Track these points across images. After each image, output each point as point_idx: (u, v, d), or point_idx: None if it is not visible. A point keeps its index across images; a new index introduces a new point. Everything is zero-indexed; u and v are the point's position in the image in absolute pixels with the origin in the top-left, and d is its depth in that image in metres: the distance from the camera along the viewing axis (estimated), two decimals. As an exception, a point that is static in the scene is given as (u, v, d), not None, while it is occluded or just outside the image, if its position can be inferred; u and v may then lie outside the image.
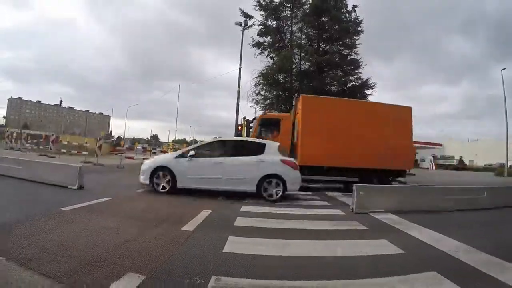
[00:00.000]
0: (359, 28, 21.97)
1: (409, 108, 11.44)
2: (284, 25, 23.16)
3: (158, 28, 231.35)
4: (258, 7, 22.16)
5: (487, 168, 41.04)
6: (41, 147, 24.60)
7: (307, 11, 22.09)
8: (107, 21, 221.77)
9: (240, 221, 4.97)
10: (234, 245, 3.61)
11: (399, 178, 11.17)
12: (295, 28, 23.12)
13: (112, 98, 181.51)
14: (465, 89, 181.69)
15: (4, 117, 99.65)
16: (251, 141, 8.79)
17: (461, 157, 48.38)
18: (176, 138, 70.20)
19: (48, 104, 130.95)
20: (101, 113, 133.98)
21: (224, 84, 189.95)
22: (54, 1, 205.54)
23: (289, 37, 23.25)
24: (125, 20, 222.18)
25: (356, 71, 22.58)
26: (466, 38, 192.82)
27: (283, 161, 7.54)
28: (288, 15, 22.82)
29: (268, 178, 7.31)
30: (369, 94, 22.34)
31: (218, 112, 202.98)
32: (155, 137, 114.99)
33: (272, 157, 7.53)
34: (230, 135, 17.65)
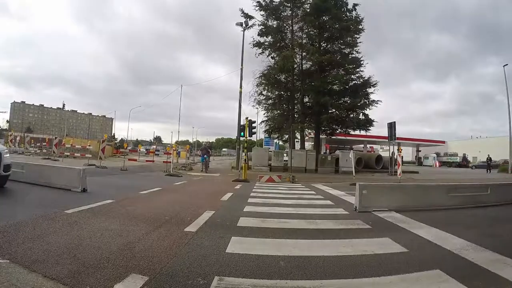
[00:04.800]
0: (360, 26, 21.91)
1: None
2: (284, 24, 23.14)
3: (150, 36, 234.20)
4: (258, 7, 22.16)
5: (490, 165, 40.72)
6: (44, 151, 24.76)
7: (308, 10, 22.06)
8: (101, 31, 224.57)
9: (243, 221, 4.97)
10: (237, 245, 3.61)
11: None
12: (295, 27, 23.11)
13: (113, 102, 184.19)
14: (458, 85, 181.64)
15: (7, 121, 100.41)
16: None
17: (464, 154, 48.10)
18: (179, 139, 70.27)
19: (51, 107, 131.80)
20: (104, 116, 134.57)
21: (222, 86, 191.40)
22: (48, 14, 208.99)
23: (290, 37, 23.24)
24: (116, 30, 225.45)
25: (357, 70, 22.53)
26: (451, 35, 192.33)
27: None
28: (289, 14, 22.81)
29: None
30: (371, 93, 22.29)
31: (218, 114, 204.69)
32: (158, 138, 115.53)
33: None
34: (233, 135, 17.84)
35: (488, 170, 28.20)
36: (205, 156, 18.57)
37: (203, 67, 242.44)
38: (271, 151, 24.38)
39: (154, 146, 43.06)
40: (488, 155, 30.21)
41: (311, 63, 22.81)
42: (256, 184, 11.78)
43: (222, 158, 51.05)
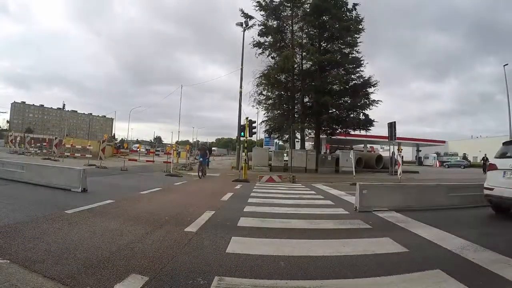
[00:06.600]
0: (360, 26, 21.90)
1: None
2: (284, 24, 23.13)
3: (149, 36, 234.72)
4: (258, 7, 22.16)
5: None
6: (44, 151, 24.76)
7: (308, 10, 22.05)
8: (101, 32, 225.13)
9: (243, 221, 4.97)
10: (238, 245, 3.61)
11: None
12: (295, 27, 23.10)
13: (113, 102, 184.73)
14: (458, 85, 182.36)
15: (7, 121, 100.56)
16: None
17: (464, 154, 48.11)
18: (179, 140, 70.29)
19: (51, 107, 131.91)
20: (104, 116, 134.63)
21: (223, 86, 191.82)
22: (48, 14, 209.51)
23: (290, 37, 23.23)
24: (116, 30, 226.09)
25: (358, 70, 22.53)
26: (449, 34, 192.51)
27: None
28: (289, 14, 22.80)
29: None
30: (371, 93, 22.28)
31: (218, 114, 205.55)
32: (158, 139, 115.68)
33: None
34: (233, 135, 17.53)
35: (484, 171, 27.09)
36: (202, 158, 14.91)
37: (203, 67, 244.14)
38: (271, 151, 24.39)
39: (150, 147, 43.11)
40: (485, 155, 29.11)
41: (311, 63, 22.79)
42: (256, 184, 11.78)
43: (222, 158, 51.01)
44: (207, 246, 3.57)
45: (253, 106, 25.97)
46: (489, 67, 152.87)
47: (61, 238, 3.56)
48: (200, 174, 14.02)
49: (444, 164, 43.78)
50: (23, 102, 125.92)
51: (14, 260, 2.76)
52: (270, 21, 22.76)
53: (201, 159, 14.78)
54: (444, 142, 56.54)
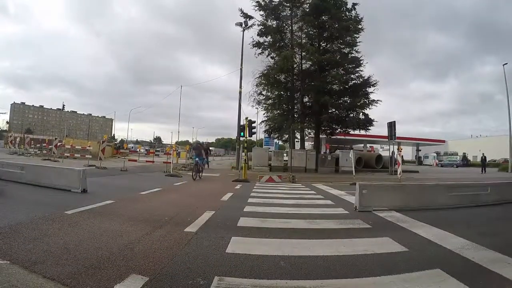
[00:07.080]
0: (360, 26, 21.88)
1: None
2: (284, 24, 23.13)
3: (149, 37, 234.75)
4: (257, 7, 22.15)
5: (490, 164, 40.73)
6: (44, 151, 24.75)
7: (307, 10, 22.04)
8: (101, 32, 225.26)
9: (243, 222, 4.97)
10: (237, 245, 3.61)
11: None
12: (295, 27, 23.09)
13: (113, 102, 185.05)
14: (458, 85, 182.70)
15: (7, 122, 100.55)
16: None
17: (464, 153, 48.11)
18: (179, 140, 70.29)
19: (51, 108, 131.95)
20: (104, 117, 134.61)
21: (222, 86, 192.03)
22: (47, 15, 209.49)
23: (289, 37, 23.21)
24: (116, 30, 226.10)
25: (357, 69, 22.52)
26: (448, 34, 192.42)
27: None
28: (288, 14, 22.79)
29: None
30: (371, 92, 22.26)
31: (218, 114, 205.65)
32: (158, 139, 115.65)
33: None
34: (233, 135, 17.42)
35: (483, 170, 25.76)
36: (197, 157, 13.53)
37: (203, 67, 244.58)
38: (271, 151, 24.39)
39: (149, 148, 43.22)
40: (483, 154, 28.34)
41: (310, 63, 22.78)
42: (256, 184, 11.78)
43: (222, 158, 51.00)
44: (207, 246, 3.57)
45: (252, 106, 26.00)
46: (489, 66, 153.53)
47: (61, 239, 3.56)
48: (195, 175, 12.84)
49: (438, 163, 44.83)
50: (23, 103, 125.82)
51: (14, 261, 2.76)
52: (269, 21, 22.75)
53: (196, 158, 13.49)
54: (443, 141, 56.59)
